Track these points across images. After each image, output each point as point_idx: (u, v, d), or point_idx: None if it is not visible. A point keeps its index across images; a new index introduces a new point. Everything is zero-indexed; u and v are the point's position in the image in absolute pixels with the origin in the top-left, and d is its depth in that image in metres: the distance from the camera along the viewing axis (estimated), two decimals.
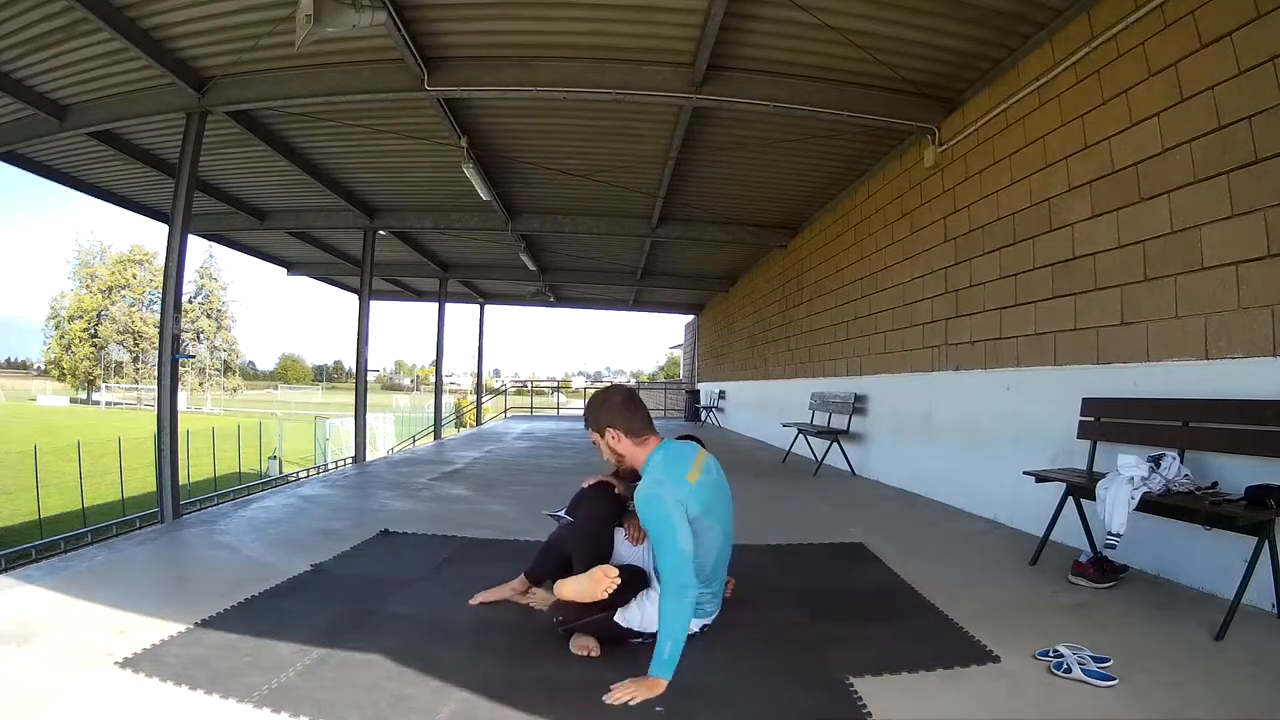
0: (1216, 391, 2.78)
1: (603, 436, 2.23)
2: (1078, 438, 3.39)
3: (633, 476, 2.30)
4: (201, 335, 48.98)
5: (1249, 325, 2.69)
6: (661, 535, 2.00)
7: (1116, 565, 2.89)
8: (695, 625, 2.25)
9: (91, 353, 45.45)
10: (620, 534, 2.42)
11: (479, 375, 18.63)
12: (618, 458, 2.26)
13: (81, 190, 7.08)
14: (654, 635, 2.02)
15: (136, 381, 46.18)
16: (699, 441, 2.38)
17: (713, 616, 2.32)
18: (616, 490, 2.47)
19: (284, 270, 11.95)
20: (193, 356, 47.41)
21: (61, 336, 45.50)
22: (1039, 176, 3.99)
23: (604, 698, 1.87)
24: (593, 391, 2.36)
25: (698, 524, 2.08)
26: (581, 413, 2.36)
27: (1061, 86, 3.81)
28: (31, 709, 1.76)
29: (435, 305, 12.84)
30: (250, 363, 70.54)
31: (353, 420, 8.46)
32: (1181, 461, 2.75)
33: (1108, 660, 2.04)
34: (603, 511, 2.41)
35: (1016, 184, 4.20)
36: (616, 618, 2.16)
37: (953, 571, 3.16)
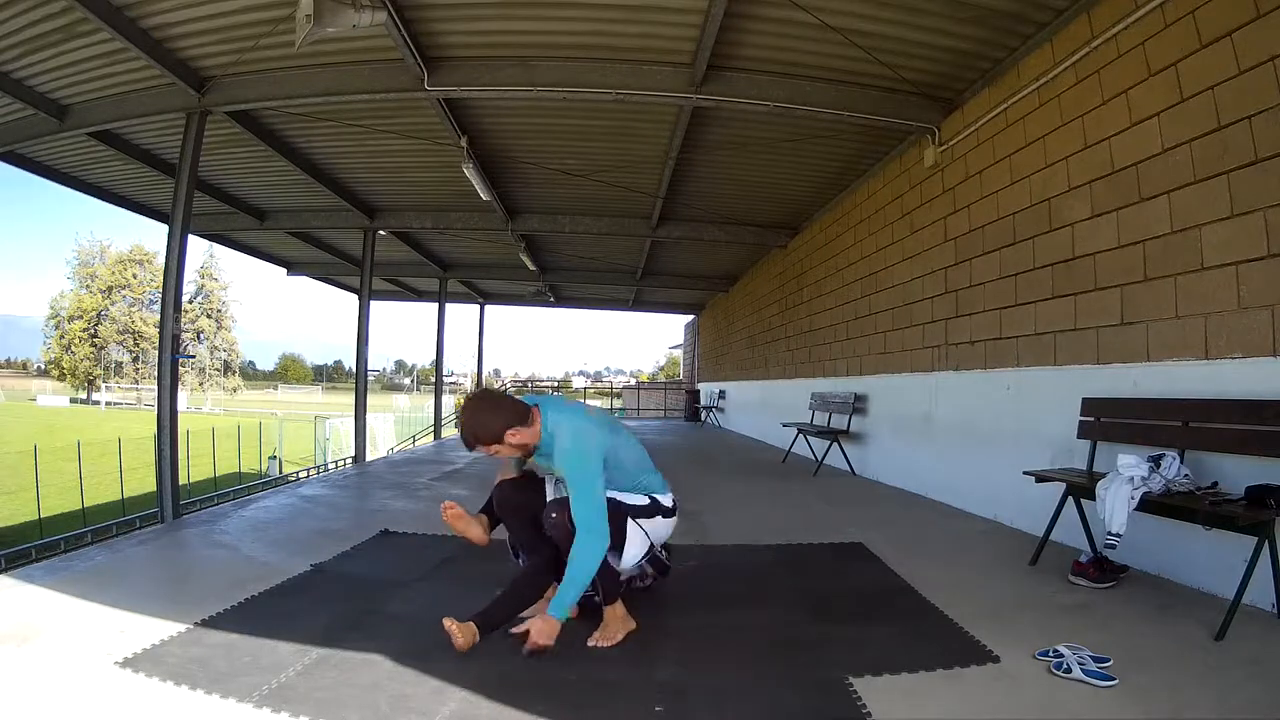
0: (1216, 391, 2.78)
1: (506, 443, 2.24)
2: (1078, 438, 3.39)
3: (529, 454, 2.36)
4: (201, 335, 48.96)
5: (1249, 325, 2.69)
6: (583, 484, 2.19)
7: (1116, 565, 2.89)
8: (667, 500, 2.47)
9: (91, 353, 45.41)
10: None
11: (479, 375, 18.65)
12: (524, 451, 2.31)
13: (81, 190, 7.07)
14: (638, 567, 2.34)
15: (136, 381, 46.16)
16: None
17: (670, 495, 2.52)
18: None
19: (284, 270, 11.94)
20: (193, 356, 47.38)
21: (61, 336, 45.46)
22: (1039, 176, 3.98)
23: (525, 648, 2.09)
24: (466, 413, 2.29)
25: (615, 441, 2.34)
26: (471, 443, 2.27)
27: (1062, 86, 3.80)
28: (31, 709, 1.76)
29: (435, 305, 12.85)
30: (250, 363, 70.61)
31: (353, 420, 8.46)
32: (1181, 461, 2.75)
33: (1108, 660, 2.04)
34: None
35: (1016, 184, 4.20)
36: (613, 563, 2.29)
37: (953, 571, 3.16)
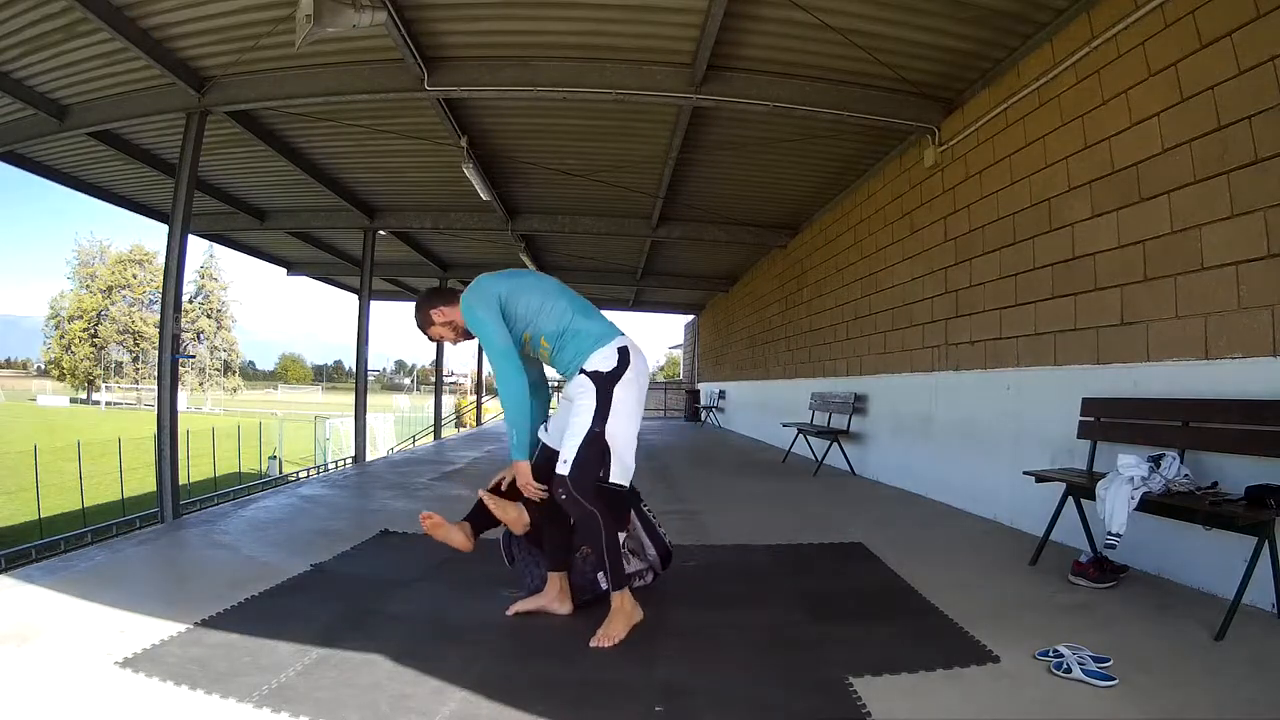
0: (1216, 391, 2.78)
1: (436, 324, 2.55)
2: (1078, 438, 3.39)
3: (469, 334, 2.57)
4: (201, 335, 48.93)
5: (1249, 325, 2.69)
6: (484, 340, 2.39)
7: (1116, 565, 2.89)
8: (609, 360, 2.31)
9: (91, 353, 45.39)
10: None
11: (479, 375, 18.66)
12: (455, 331, 2.56)
13: (81, 190, 7.07)
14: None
15: (136, 381, 46.14)
16: None
17: (613, 344, 2.35)
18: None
19: (284, 270, 11.94)
20: (193, 357, 47.35)
21: (61, 336, 45.44)
22: (1039, 176, 3.98)
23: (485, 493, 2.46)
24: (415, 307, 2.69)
25: (513, 285, 2.42)
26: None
27: (1062, 86, 3.80)
28: (31, 709, 1.76)
29: None
30: (250, 363, 70.63)
31: (353, 420, 8.46)
32: (1181, 461, 2.75)
33: (1108, 660, 2.04)
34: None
35: (1017, 184, 4.20)
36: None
37: (953, 571, 3.16)
